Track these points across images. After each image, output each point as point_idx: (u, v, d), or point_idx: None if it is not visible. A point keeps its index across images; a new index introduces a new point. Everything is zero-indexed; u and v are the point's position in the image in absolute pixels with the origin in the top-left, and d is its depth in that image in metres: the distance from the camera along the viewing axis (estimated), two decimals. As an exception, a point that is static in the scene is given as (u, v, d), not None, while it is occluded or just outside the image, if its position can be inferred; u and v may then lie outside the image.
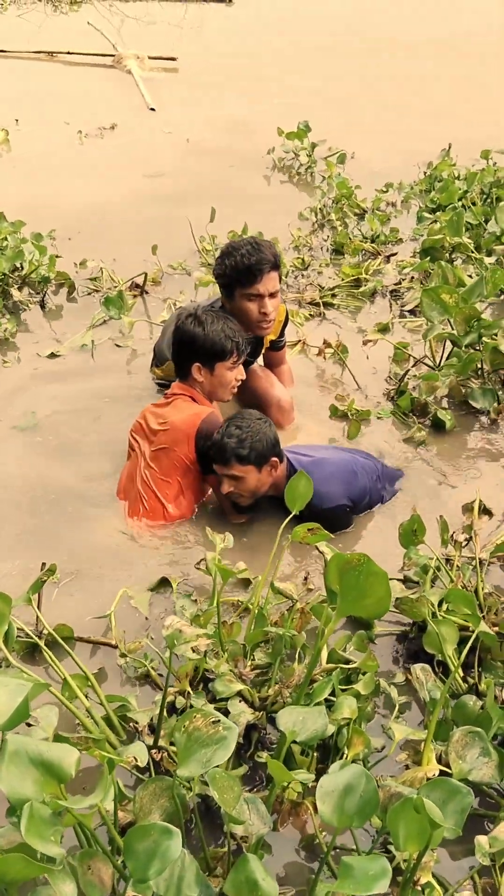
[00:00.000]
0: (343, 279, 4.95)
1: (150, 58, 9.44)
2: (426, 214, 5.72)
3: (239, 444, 2.89)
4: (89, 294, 4.82)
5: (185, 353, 3.17)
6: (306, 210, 5.92)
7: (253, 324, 3.35)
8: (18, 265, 4.78)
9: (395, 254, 5.32)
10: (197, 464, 3.09)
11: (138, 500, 3.11)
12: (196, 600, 2.56)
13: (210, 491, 3.21)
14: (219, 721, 1.66)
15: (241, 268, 3.27)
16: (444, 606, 2.41)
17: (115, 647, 2.51)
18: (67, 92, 8.68)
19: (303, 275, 5.09)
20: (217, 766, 1.62)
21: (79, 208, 5.86)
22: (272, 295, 3.33)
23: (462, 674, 2.32)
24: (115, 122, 7.69)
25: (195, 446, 3.06)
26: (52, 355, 4.23)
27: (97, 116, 7.76)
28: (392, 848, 1.84)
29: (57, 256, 4.84)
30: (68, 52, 9.68)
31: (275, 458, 2.96)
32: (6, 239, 4.89)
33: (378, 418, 3.70)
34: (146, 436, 3.17)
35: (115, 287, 4.76)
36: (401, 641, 2.56)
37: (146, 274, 4.79)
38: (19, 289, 4.73)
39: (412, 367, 3.98)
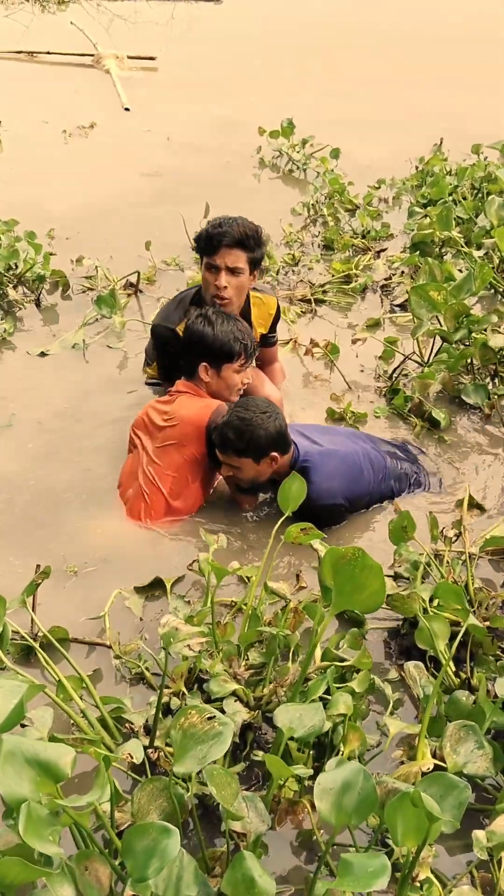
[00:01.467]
0: (333, 275, 4.95)
1: (129, 57, 9.41)
2: (417, 209, 5.72)
3: (237, 437, 2.88)
4: (84, 292, 4.80)
5: (193, 351, 3.16)
6: (298, 205, 5.92)
7: (210, 299, 3.35)
8: (13, 264, 4.76)
9: (385, 249, 5.33)
10: (207, 457, 3.09)
11: (140, 497, 3.09)
12: (189, 601, 2.55)
13: (220, 478, 3.21)
14: (214, 717, 1.65)
15: (204, 236, 3.31)
16: (435, 602, 2.41)
17: (110, 647, 2.50)
18: (45, 91, 8.63)
19: (293, 271, 5.09)
20: (213, 763, 1.62)
21: (74, 207, 5.84)
22: (231, 271, 3.29)
23: (454, 668, 2.33)
24: (93, 121, 7.65)
25: (206, 440, 3.06)
26: (42, 354, 4.22)
27: (76, 116, 7.72)
28: (390, 844, 1.85)
29: (51, 254, 4.83)
30: (48, 52, 9.63)
31: (275, 453, 2.93)
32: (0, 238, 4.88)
33: (376, 417, 3.68)
34: (149, 432, 3.17)
35: (110, 285, 4.74)
36: (392, 637, 2.56)
37: (139, 273, 4.78)
38: (14, 287, 4.71)
39: (401, 364, 3.97)
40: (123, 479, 3.23)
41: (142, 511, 3.08)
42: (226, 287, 3.29)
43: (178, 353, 3.31)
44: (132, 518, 3.10)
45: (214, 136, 7.42)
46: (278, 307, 3.65)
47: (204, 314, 3.17)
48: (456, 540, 2.76)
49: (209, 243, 3.28)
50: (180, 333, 3.35)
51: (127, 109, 8.03)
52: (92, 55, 9.50)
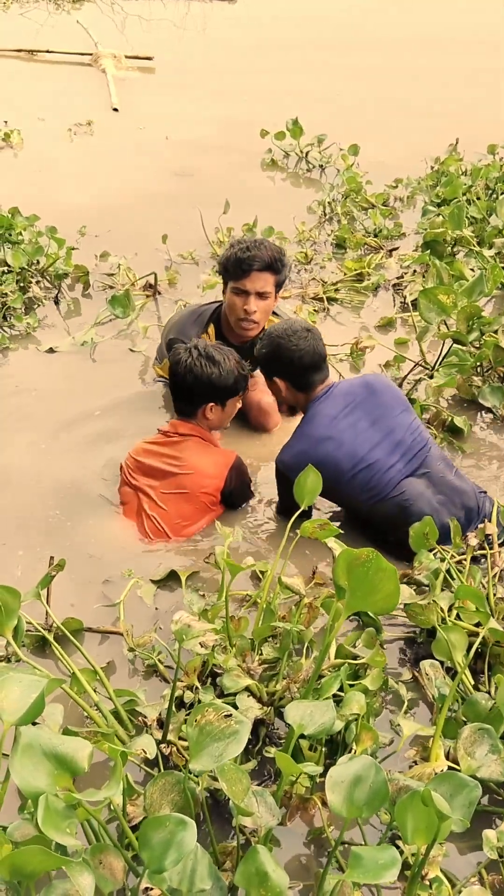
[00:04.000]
0: (345, 274, 4.96)
1: (126, 57, 9.41)
2: (431, 208, 5.73)
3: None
4: (104, 289, 4.80)
5: (202, 394, 3.05)
6: (314, 203, 5.93)
7: (236, 321, 3.34)
8: (35, 260, 4.77)
9: (397, 248, 5.34)
10: (219, 504, 3.10)
11: (145, 534, 3.04)
12: (204, 595, 2.57)
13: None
14: (231, 715, 1.67)
15: (233, 260, 3.29)
16: (454, 613, 2.39)
17: (122, 635, 2.52)
18: (40, 90, 8.58)
19: (305, 269, 5.09)
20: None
21: (89, 204, 5.84)
22: (260, 295, 3.30)
23: (472, 681, 2.29)
24: (90, 119, 7.62)
25: (224, 491, 3.06)
26: (51, 350, 4.23)
27: (70, 114, 7.70)
28: (400, 843, 1.87)
29: (73, 249, 4.83)
30: (47, 51, 9.60)
31: (277, 378, 2.96)
32: (21, 234, 4.89)
33: None
34: (152, 475, 3.06)
35: (131, 284, 4.74)
36: (409, 646, 2.54)
37: (155, 274, 4.74)
38: (37, 283, 4.72)
39: (410, 371, 3.92)
40: (125, 499, 3.14)
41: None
42: (255, 311, 3.29)
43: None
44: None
45: (221, 135, 7.39)
46: None
47: (202, 353, 3.01)
48: (479, 548, 2.70)
49: (238, 267, 3.26)
50: None
51: (115, 109, 8.01)
52: (90, 54, 9.46)
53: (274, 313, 3.55)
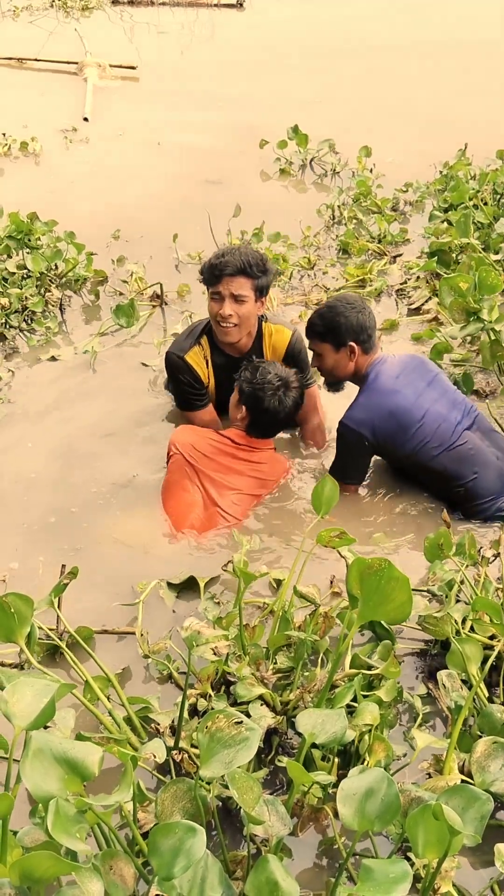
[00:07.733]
0: (348, 280, 4.97)
1: (111, 66, 9.45)
2: (437, 213, 5.71)
3: (321, 321, 3.18)
4: (115, 294, 4.82)
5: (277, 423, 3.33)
6: (322, 207, 5.92)
7: (216, 325, 3.38)
8: (54, 265, 4.81)
9: (401, 254, 5.34)
10: None
11: (207, 524, 3.14)
12: (219, 602, 2.57)
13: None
14: (241, 722, 1.66)
15: (206, 267, 3.35)
16: (468, 624, 2.37)
17: (141, 635, 2.52)
18: (21, 98, 8.54)
19: (308, 275, 5.10)
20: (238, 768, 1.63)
21: (100, 210, 5.85)
22: (235, 299, 3.29)
23: (487, 693, 2.27)
24: (74, 125, 7.61)
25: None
26: (53, 359, 4.25)
27: (53, 122, 7.67)
28: (412, 855, 1.85)
29: (92, 254, 4.86)
30: (36, 59, 9.64)
31: (353, 344, 3.14)
32: (39, 239, 4.93)
33: None
34: (230, 473, 3.24)
35: (140, 293, 4.76)
36: (422, 658, 2.51)
37: (161, 284, 4.75)
38: (58, 287, 4.76)
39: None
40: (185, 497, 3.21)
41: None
42: (230, 315, 3.31)
43: (188, 382, 3.46)
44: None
45: (218, 141, 7.33)
46: (294, 340, 3.55)
47: (287, 386, 3.24)
48: (494, 560, 2.67)
49: (212, 273, 3.30)
50: (189, 361, 3.43)
51: (86, 120, 7.97)
52: (76, 63, 9.46)
53: (268, 320, 3.56)
